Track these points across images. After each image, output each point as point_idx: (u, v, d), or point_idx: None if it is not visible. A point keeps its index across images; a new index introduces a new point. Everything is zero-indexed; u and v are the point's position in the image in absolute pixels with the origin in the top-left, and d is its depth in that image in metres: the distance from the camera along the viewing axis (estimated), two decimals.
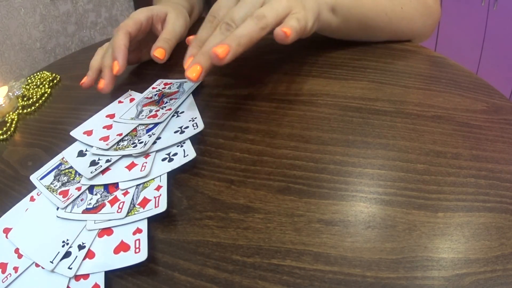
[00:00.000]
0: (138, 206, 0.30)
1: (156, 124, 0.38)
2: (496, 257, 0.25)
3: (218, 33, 0.36)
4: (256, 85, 0.44)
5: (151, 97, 0.43)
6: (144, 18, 0.48)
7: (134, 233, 0.28)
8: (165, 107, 0.40)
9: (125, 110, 0.42)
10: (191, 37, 0.41)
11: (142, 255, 0.26)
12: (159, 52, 0.45)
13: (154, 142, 0.35)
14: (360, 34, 0.49)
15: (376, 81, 0.42)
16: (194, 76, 0.35)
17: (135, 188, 0.32)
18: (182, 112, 0.39)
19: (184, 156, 0.33)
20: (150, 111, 0.40)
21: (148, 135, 0.36)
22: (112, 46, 0.45)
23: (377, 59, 0.46)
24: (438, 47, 1.76)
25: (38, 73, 0.57)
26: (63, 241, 0.29)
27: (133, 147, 0.35)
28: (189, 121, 0.37)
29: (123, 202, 0.31)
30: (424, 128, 0.35)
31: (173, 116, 0.39)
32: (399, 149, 0.33)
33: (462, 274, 0.24)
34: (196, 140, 0.35)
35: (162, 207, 0.29)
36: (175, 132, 0.36)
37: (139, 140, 0.36)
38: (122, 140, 0.37)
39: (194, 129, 0.35)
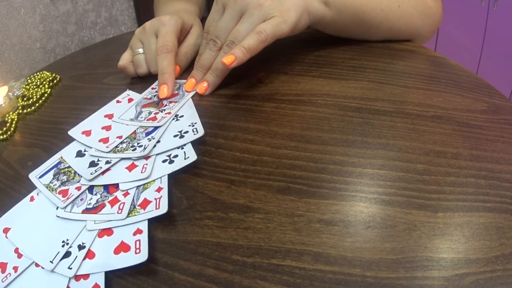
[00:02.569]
0: (139, 208, 0.30)
1: (155, 128, 0.38)
2: (496, 257, 0.25)
3: (208, 51, 0.43)
4: (256, 85, 0.44)
5: (150, 98, 0.43)
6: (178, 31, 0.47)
7: (134, 234, 0.28)
8: (164, 110, 0.40)
9: (124, 110, 0.42)
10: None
11: (143, 256, 0.26)
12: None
13: (154, 146, 0.35)
14: (357, 30, 0.49)
15: (376, 81, 0.42)
16: (189, 88, 0.44)
17: (136, 189, 0.32)
18: (182, 116, 0.39)
19: (185, 159, 0.33)
20: (150, 113, 0.40)
21: (148, 139, 0.36)
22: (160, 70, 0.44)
23: (377, 59, 0.46)
24: (438, 47, 1.76)
25: (38, 73, 0.57)
26: (63, 241, 0.29)
27: (132, 150, 0.35)
28: (189, 126, 0.37)
29: (124, 203, 0.31)
30: (424, 128, 0.35)
31: (172, 119, 0.39)
32: (399, 149, 0.33)
33: (462, 274, 0.24)
34: (196, 140, 0.35)
35: (163, 209, 0.29)
36: (175, 136, 0.36)
37: (138, 143, 0.36)
38: (121, 142, 0.37)
39: (194, 134, 0.35)
